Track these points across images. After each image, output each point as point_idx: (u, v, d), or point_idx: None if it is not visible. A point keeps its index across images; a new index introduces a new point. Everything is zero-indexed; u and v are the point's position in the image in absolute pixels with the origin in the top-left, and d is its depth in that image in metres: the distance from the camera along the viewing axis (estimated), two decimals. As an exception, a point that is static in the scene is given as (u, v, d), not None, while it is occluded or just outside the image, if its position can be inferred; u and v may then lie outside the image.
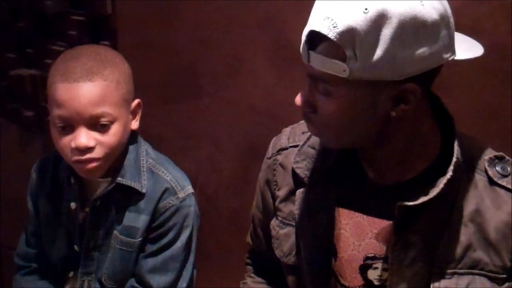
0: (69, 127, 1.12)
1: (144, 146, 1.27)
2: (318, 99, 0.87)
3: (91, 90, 1.11)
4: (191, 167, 1.40)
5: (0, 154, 1.98)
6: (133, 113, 1.22)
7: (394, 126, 0.87)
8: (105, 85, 1.12)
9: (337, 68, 0.81)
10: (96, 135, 1.13)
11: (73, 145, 1.12)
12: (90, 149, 1.13)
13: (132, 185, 1.21)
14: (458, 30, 0.86)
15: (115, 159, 1.20)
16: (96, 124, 1.13)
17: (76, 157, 1.13)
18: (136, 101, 1.22)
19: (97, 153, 1.14)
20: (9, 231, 1.94)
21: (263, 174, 1.11)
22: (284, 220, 1.05)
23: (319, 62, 0.83)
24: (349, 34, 0.78)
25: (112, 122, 1.14)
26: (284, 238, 1.05)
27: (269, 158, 1.09)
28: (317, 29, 0.81)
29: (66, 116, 1.11)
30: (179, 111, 1.63)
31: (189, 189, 1.26)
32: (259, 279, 1.21)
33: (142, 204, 1.22)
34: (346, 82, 0.81)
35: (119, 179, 1.21)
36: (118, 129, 1.15)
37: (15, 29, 1.77)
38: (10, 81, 1.83)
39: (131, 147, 1.23)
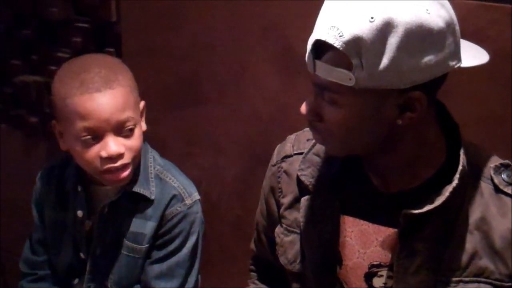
0: (96, 137, 1.12)
1: (151, 153, 1.28)
2: (323, 107, 0.87)
3: (114, 97, 1.12)
4: (194, 173, 1.40)
5: (4, 160, 1.98)
6: (141, 115, 1.23)
7: (400, 134, 0.87)
8: (123, 91, 1.14)
9: (343, 77, 0.81)
10: (122, 140, 1.14)
11: (104, 154, 1.12)
12: (120, 156, 1.13)
13: (141, 192, 1.22)
14: (462, 37, 0.86)
15: None
16: (122, 130, 1.13)
17: (108, 166, 1.13)
18: (142, 103, 1.24)
19: (127, 158, 1.15)
20: (12, 237, 1.94)
21: (268, 181, 1.11)
22: (288, 228, 1.05)
23: (325, 71, 0.83)
24: (355, 43, 0.78)
25: (135, 126, 1.16)
26: (289, 245, 1.05)
27: (274, 166, 1.09)
28: (323, 38, 0.80)
29: (93, 126, 1.11)
30: (182, 117, 1.63)
31: (196, 195, 1.27)
32: (263, 286, 1.20)
33: (149, 210, 1.23)
34: (352, 90, 0.81)
35: (129, 186, 1.21)
36: (139, 132, 1.18)
37: (20, 35, 1.77)
38: (14, 87, 1.84)
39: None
